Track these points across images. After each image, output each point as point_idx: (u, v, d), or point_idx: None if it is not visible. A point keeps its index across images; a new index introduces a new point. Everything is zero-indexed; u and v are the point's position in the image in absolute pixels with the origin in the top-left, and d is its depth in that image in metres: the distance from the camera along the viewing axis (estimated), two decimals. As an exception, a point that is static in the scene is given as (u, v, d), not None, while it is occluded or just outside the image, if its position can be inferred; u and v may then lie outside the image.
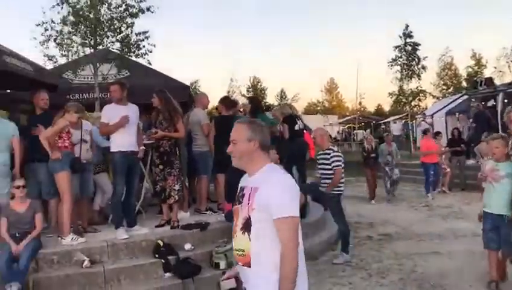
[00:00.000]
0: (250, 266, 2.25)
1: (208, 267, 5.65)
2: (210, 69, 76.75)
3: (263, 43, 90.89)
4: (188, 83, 11.98)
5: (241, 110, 8.38)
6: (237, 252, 2.35)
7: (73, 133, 5.97)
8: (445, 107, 23.23)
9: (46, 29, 9.57)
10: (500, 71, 20.99)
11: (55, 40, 9.69)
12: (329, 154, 6.34)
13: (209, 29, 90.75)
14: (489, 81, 17.38)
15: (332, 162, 6.29)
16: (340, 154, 6.41)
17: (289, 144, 7.89)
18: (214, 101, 8.56)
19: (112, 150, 5.93)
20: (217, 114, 8.07)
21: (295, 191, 2.27)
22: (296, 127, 8.23)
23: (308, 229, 7.23)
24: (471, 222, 7.99)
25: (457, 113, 20.19)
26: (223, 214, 6.63)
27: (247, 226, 2.25)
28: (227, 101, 7.55)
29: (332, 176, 6.28)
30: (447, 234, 7.74)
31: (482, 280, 5.23)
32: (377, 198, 11.74)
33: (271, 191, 2.21)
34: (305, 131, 8.85)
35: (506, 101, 14.89)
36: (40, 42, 9.63)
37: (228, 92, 44.44)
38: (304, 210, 7.38)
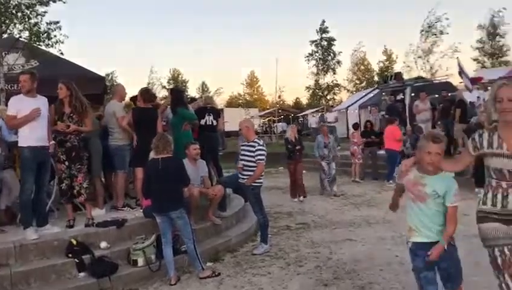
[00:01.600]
0: None
1: (125, 264, 5.52)
2: (129, 61, 74.78)
3: (185, 37, 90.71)
4: (103, 74, 11.51)
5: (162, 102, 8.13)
6: None
7: None
8: (358, 100, 24.41)
9: None
10: (408, 66, 22.35)
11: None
12: (254, 146, 6.30)
13: (129, 21, 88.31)
14: (399, 75, 18.52)
15: (257, 155, 6.27)
16: (264, 148, 6.39)
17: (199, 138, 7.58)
18: (132, 93, 8.25)
19: (20, 144, 5.56)
20: (134, 106, 7.77)
21: None
22: (202, 122, 8.09)
23: (228, 221, 7.30)
24: (383, 209, 8.53)
25: (369, 106, 21.26)
26: (141, 210, 6.47)
27: None
28: (145, 94, 7.22)
29: (254, 168, 6.30)
30: (360, 222, 8.13)
31: (390, 264, 5.56)
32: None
33: None
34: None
35: (413, 94, 15.92)
36: None
37: (148, 83, 43.54)
38: (223, 202, 7.41)
